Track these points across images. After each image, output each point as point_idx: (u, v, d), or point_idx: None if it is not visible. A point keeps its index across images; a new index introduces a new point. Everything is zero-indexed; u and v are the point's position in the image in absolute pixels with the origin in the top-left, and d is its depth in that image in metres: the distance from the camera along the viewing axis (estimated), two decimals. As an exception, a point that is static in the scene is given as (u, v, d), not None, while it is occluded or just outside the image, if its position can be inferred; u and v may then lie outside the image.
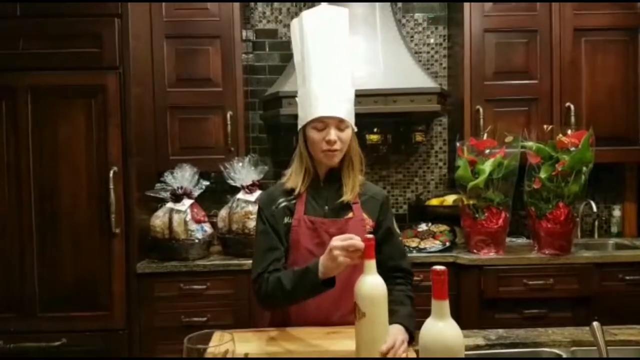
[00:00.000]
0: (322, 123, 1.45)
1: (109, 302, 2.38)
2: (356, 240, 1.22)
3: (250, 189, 2.57)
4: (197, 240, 2.53)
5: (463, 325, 1.02)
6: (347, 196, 1.50)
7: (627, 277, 2.47)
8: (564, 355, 1.30)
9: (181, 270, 2.46)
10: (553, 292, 2.44)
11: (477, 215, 2.52)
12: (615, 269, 2.48)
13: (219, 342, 1.00)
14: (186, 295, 2.46)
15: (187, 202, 2.55)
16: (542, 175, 2.44)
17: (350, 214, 1.51)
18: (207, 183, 2.61)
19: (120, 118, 2.39)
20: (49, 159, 2.37)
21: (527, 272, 2.45)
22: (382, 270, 1.51)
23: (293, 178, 1.54)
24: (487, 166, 2.46)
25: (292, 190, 1.52)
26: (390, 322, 1.26)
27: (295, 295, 1.37)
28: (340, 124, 1.46)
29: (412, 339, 1.32)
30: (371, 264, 1.17)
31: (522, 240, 2.84)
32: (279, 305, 1.47)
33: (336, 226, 1.49)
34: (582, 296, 2.44)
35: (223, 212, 2.65)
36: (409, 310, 1.43)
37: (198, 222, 2.56)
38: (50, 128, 2.37)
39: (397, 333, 1.27)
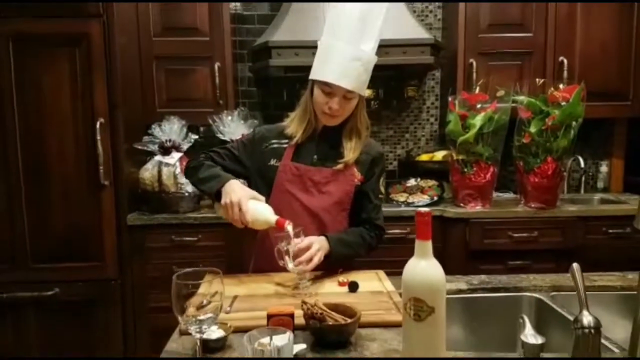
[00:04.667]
0: (330, 87, 1.42)
1: (101, 253, 2.40)
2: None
3: (240, 142, 2.55)
4: (187, 194, 2.53)
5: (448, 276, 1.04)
6: (348, 157, 1.49)
7: (611, 230, 2.52)
8: (544, 299, 1.33)
9: (172, 223, 2.47)
10: (537, 245, 2.50)
11: (465, 170, 2.53)
12: (599, 222, 2.53)
13: (210, 282, 1.01)
14: (178, 247, 2.49)
15: (176, 156, 2.53)
16: (532, 129, 2.44)
17: (341, 166, 1.51)
18: (196, 137, 2.59)
19: (105, 67, 2.34)
20: (34, 108, 2.32)
21: (513, 225, 2.50)
22: (354, 222, 1.55)
23: (294, 125, 1.53)
24: (477, 120, 2.45)
25: (289, 136, 1.52)
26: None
27: (198, 183, 1.49)
28: (347, 93, 1.43)
29: (329, 258, 1.40)
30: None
31: (509, 195, 2.88)
32: (191, 180, 1.55)
33: (322, 174, 1.50)
34: (565, 248, 2.50)
35: (213, 166, 2.63)
36: (347, 237, 1.48)
37: (188, 175, 2.55)
38: (34, 76, 2.31)
39: (318, 240, 1.37)
